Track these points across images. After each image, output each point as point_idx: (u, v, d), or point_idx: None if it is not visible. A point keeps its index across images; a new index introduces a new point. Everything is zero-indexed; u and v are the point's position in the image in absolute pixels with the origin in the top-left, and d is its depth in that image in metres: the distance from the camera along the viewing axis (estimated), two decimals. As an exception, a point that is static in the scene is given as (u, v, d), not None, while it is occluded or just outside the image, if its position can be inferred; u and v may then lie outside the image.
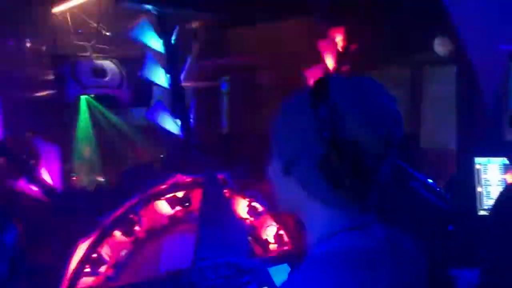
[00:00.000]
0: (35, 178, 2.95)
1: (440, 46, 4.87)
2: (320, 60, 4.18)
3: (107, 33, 4.26)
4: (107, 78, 4.14)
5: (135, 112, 4.40)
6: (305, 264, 0.96)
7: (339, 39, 4.31)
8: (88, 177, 3.85)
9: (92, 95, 4.10)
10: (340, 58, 4.23)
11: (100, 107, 3.98)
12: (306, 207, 1.04)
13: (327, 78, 1.00)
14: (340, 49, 4.29)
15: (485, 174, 3.96)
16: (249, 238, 3.44)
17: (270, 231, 3.53)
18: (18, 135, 3.06)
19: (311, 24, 4.60)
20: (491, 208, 1.58)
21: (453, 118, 5.25)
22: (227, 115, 7.01)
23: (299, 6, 4.34)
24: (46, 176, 2.99)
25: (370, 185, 0.99)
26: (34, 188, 2.95)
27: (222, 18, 3.92)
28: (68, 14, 4.40)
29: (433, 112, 5.53)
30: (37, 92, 4.18)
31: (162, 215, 3.25)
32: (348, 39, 4.34)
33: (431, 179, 3.53)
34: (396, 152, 1.02)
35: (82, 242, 2.97)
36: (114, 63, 4.24)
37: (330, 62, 4.21)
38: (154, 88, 3.96)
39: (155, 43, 3.69)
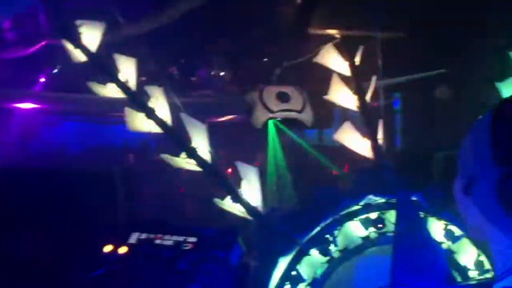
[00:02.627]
0: (238, 198, 3.17)
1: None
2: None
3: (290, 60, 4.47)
4: (290, 102, 4.32)
5: (321, 133, 4.53)
6: None
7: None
8: (281, 197, 4.04)
9: (278, 119, 4.31)
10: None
11: (286, 130, 4.17)
12: (488, 234, 0.94)
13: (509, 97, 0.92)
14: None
15: None
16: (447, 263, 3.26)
17: (469, 257, 3.31)
18: (220, 158, 3.32)
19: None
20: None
21: None
22: (401, 133, 6.84)
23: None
24: (248, 196, 3.19)
25: None
26: (239, 208, 3.17)
27: (406, 35, 3.85)
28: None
29: None
30: (228, 117, 4.54)
31: (355, 236, 3.25)
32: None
33: None
34: None
35: (282, 260, 3.10)
36: (296, 88, 4.41)
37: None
38: (340, 109, 4.04)
39: (340, 65, 3.76)
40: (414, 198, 3.29)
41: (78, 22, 3.12)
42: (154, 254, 2.41)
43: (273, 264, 3.08)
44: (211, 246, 2.48)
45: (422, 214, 3.29)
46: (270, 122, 4.27)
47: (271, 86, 4.37)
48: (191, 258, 2.35)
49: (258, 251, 3.04)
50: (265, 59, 4.50)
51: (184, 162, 3.20)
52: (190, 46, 4.80)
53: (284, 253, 3.11)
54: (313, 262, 3.16)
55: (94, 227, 2.91)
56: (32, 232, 3.18)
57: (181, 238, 2.50)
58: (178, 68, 5.48)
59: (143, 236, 2.49)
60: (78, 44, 3.10)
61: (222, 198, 3.20)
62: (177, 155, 3.25)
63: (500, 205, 0.88)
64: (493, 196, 0.88)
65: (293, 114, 4.30)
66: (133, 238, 2.48)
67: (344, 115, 4.57)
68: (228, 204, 3.17)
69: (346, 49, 3.72)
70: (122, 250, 2.46)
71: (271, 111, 4.25)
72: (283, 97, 4.29)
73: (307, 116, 4.36)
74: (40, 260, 2.99)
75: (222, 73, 4.67)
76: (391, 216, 3.24)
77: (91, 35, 3.14)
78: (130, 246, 2.47)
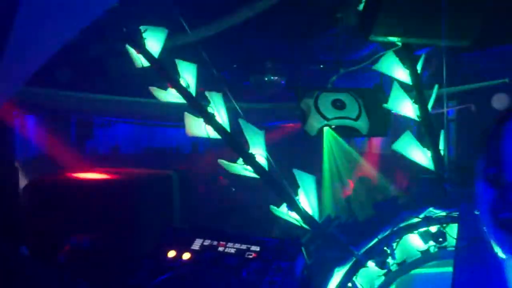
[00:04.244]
0: (295, 206, 3.14)
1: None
2: None
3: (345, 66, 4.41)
4: (345, 110, 4.25)
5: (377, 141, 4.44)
6: None
7: None
8: (338, 206, 3.98)
9: (333, 126, 4.24)
10: None
11: (339, 138, 4.10)
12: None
13: None
14: None
15: None
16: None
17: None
18: (277, 165, 3.30)
19: None
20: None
21: None
22: (453, 144, 6.64)
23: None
24: (305, 204, 3.16)
25: None
26: (295, 216, 3.13)
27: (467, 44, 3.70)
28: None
29: None
30: (284, 124, 4.52)
31: (414, 249, 3.16)
32: None
33: None
34: None
35: (338, 270, 3.05)
36: (352, 95, 4.33)
37: None
38: (398, 118, 3.95)
39: (401, 73, 3.67)
40: (477, 212, 3.17)
41: (142, 27, 3.17)
42: (217, 261, 2.41)
43: (329, 274, 3.03)
44: (275, 256, 2.46)
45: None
46: (327, 130, 4.20)
47: (327, 92, 4.31)
48: (254, 267, 2.33)
49: (314, 261, 3.00)
50: (322, 66, 4.45)
51: (241, 169, 3.19)
52: (245, 52, 4.81)
53: (340, 263, 3.06)
54: (369, 275, 3.10)
55: (157, 232, 2.94)
56: (92, 235, 3.25)
57: (244, 247, 2.50)
58: (232, 74, 5.51)
59: (206, 242, 2.50)
60: (142, 50, 3.16)
61: (278, 205, 3.18)
62: (234, 161, 3.25)
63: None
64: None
65: (348, 122, 4.22)
66: (196, 244, 2.50)
67: (395, 123, 4.47)
68: (284, 212, 3.15)
69: (407, 56, 3.63)
70: (186, 256, 2.47)
71: (326, 118, 4.19)
72: (338, 104, 4.22)
73: (363, 124, 4.28)
74: (102, 263, 3.05)
75: (276, 79, 4.65)
76: (452, 230, 3.13)
77: (154, 41, 3.19)
78: (193, 252, 2.48)
